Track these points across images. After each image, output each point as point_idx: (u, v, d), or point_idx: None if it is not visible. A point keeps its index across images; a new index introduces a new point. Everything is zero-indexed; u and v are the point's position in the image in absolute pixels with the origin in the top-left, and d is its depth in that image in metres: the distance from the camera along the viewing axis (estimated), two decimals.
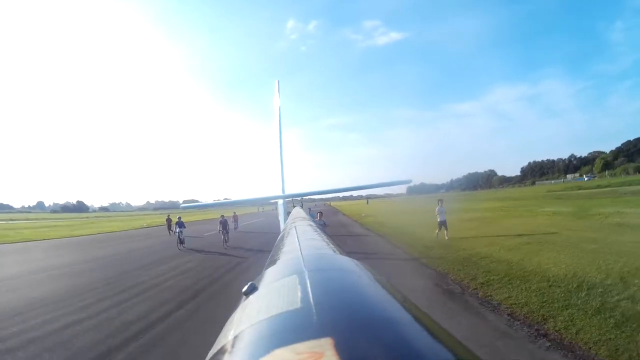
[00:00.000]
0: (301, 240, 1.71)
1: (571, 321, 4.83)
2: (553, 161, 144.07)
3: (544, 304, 5.55)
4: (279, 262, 1.15)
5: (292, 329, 0.52)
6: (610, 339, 4.23)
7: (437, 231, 13.10)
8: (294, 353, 0.42)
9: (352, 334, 0.48)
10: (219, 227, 17.17)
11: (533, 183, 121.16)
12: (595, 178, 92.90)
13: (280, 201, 6.68)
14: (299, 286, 0.70)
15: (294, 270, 0.86)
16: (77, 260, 14.09)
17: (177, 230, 17.10)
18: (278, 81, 6.53)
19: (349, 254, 1.32)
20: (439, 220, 13.01)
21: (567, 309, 5.23)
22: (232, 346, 0.55)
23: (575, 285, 6.27)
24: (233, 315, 0.78)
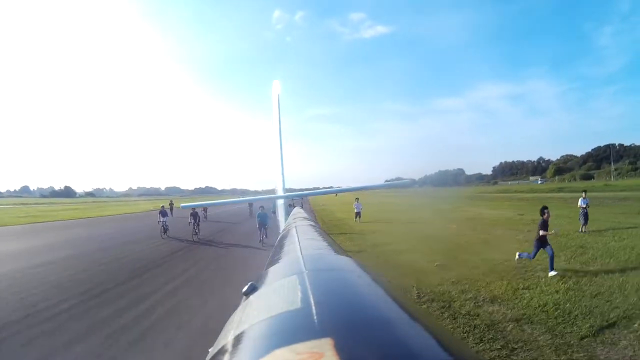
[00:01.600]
0: (301, 240, 1.71)
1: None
2: (522, 162, 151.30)
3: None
4: (279, 262, 1.15)
5: (292, 329, 0.52)
6: None
7: (355, 219, 20.09)
8: (294, 353, 0.42)
9: (352, 334, 0.48)
10: (189, 218, 17.49)
11: (495, 183, 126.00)
12: (546, 182, 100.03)
13: (280, 201, 6.67)
14: (299, 286, 0.70)
15: (294, 271, 0.86)
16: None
17: (162, 219, 17.31)
18: (277, 82, 6.54)
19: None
20: (355, 211, 20.45)
21: None
22: (232, 346, 0.55)
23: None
24: (233, 315, 0.78)
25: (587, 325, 4.30)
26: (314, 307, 0.57)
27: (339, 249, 1.44)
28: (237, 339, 0.56)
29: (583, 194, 13.47)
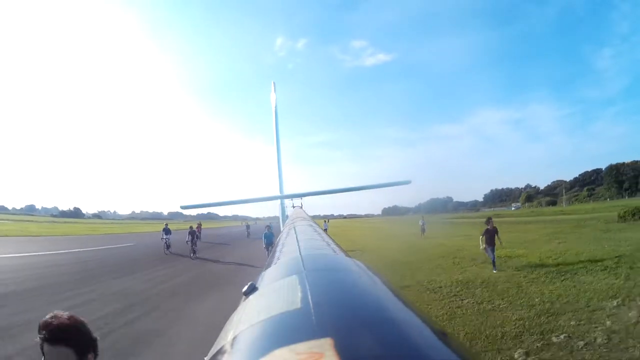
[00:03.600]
0: (301, 241, 1.71)
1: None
2: (511, 189, 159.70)
3: None
4: (278, 262, 1.15)
5: (292, 329, 0.52)
6: None
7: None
8: (294, 353, 0.42)
9: (352, 335, 0.48)
10: (187, 237, 17.61)
11: (478, 210, 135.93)
12: (519, 208, 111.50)
13: (283, 201, 6.69)
14: (299, 286, 0.69)
15: (294, 271, 0.86)
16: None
17: (165, 237, 17.93)
18: (274, 82, 6.58)
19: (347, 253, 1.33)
20: (324, 228, 21.56)
21: None
22: (232, 346, 0.55)
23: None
24: (233, 315, 0.77)
25: None
26: (313, 307, 0.57)
27: (339, 249, 1.44)
28: (237, 339, 0.56)
29: (421, 220, 27.29)
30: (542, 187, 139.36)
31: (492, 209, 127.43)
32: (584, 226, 26.00)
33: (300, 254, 1.24)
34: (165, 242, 18.70)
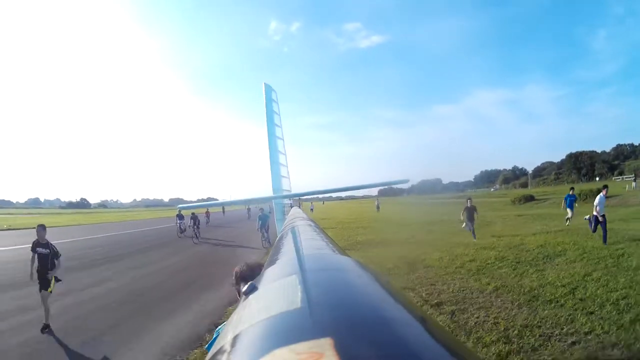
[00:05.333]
0: (300, 240, 1.71)
1: None
2: (499, 170, 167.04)
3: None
4: (278, 262, 1.15)
5: (291, 329, 0.52)
6: None
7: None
8: (294, 353, 0.42)
9: (352, 334, 0.48)
10: (189, 222, 19.54)
11: (462, 191, 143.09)
12: (498, 190, 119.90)
13: (281, 200, 6.65)
14: (298, 286, 0.69)
15: (294, 270, 0.85)
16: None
17: (178, 221, 20.22)
18: (264, 84, 6.60)
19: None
20: (310, 208, 38.99)
21: None
22: (232, 346, 0.55)
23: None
24: (233, 315, 0.77)
25: None
26: (313, 307, 0.57)
27: (339, 249, 1.44)
28: (237, 339, 0.56)
29: (376, 200, 37.14)
30: (534, 168, 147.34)
31: (475, 190, 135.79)
32: (496, 205, 40.61)
33: (299, 253, 1.24)
34: (180, 226, 21.40)
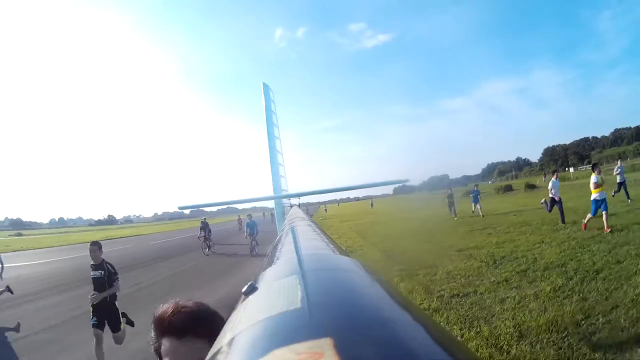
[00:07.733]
0: (300, 240, 1.71)
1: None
2: (504, 162, 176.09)
3: None
4: (278, 262, 1.14)
5: (291, 329, 0.52)
6: None
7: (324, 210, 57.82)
8: (294, 353, 0.42)
9: (352, 334, 0.48)
10: (199, 232, 17.88)
11: (465, 185, 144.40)
12: (494, 182, 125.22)
13: (280, 201, 6.65)
14: (298, 286, 0.69)
15: (294, 270, 0.85)
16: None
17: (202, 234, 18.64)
18: (263, 83, 6.65)
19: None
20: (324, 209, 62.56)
21: None
22: (232, 346, 0.55)
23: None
24: (232, 315, 0.77)
25: None
26: (313, 307, 0.56)
27: (339, 249, 1.44)
28: (237, 339, 0.56)
29: (371, 201, 59.07)
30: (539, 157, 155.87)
31: (476, 183, 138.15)
32: (481, 195, 51.79)
33: (299, 253, 1.23)
34: (205, 241, 23.13)
